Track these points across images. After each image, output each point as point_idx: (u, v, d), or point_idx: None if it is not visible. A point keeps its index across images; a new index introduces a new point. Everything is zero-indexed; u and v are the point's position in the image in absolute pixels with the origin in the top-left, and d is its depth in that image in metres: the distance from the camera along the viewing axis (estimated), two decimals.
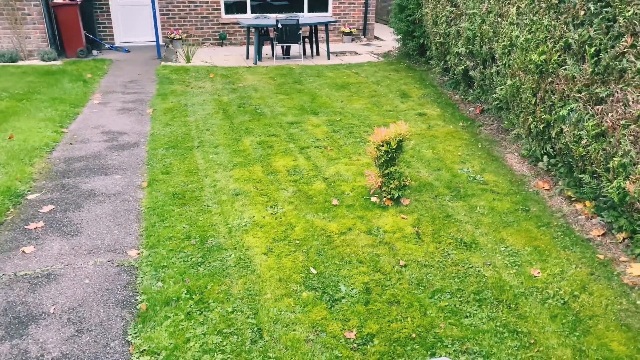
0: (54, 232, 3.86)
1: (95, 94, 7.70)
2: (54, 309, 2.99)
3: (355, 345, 2.74)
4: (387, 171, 4.20)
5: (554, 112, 4.34)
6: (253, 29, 10.01)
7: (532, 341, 2.78)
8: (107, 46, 11.35)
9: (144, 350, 2.69)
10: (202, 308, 3.01)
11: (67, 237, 3.79)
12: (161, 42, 11.19)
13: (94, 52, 10.75)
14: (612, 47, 3.55)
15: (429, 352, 2.67)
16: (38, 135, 5.80)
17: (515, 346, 2.75)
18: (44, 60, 9.67)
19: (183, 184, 4.67)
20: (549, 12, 4.31)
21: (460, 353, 2.69)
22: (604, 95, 3.65)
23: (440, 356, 2.63)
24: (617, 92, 3.52)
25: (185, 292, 3.15)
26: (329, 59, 10.42)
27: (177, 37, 11.52)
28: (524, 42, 4.69)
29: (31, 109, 6.75)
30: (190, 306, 3.03)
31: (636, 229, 3.52)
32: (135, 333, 2.82)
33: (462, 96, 7.30)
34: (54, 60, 9.75)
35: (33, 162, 5.09)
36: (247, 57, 10.52)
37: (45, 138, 5.74)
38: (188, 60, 9.91)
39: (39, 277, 3.30)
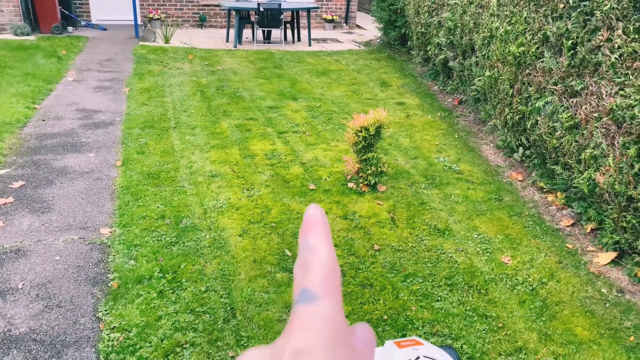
0: (24, 208, 3.77)
1: (70, 71, 7.52)
2: (23, 284, 2.94)
3: None
4: (364, 157, 4.22)
5: (530, 103, 4.41)
6: (234, 12, 9.88)
7: (500, 325, 2.84)
8: (83, 23, 11.07)
9: (115, 327, 2.67)
10: (175, 287, 3.00)
11: (37, 213, 3.71)
12: (139, 22, 10.96)
13: (70, 28, 10.48)
14: (589, 40, 3.61)
15: (400, 334, 2.71)
16: (9, 110, 5.65)
17: (484, 329, 2.80)
18: (16, 34, 9.39)
19: (158, 164, 4.61)
20: (529, 4, 4.35)
21: (431, 335, 2.74)
22: (579, 88, 3.72)
23: (411, 337, 2.68)
24: (592, 85, 3.59)
25: (158, 270, 3.12)
26: (310, 45, 10.36)
27: (156, 17, 11.30)
28: (503, 34, 4.74)
29: (2, 83, 6.56)
30: (162, 285, 3.01)
31: (604, 220, 3.61)
32: (106, 310, 2.79)
33: (441, 87, 7.35)
34: (27, 35, 9.48)
35: (3, 138, 4.96)
36: (227, 40, 10.39)
37: (17, 114, 5.59)
38: (166, 40, 9.74)
39: (8, 252, 3.23)
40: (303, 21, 11.38)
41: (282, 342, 0.29)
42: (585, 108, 3.64)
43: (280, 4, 9.57)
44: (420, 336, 2.71)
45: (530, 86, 4.39)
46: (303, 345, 0.28)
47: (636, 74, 3.16)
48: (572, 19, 3.76)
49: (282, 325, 2.74)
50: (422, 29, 7.56)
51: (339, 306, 0.31)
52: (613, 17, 3.34)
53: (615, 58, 3.32)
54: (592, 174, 3.56)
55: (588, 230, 3.78)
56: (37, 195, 3.97)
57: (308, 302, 0.31)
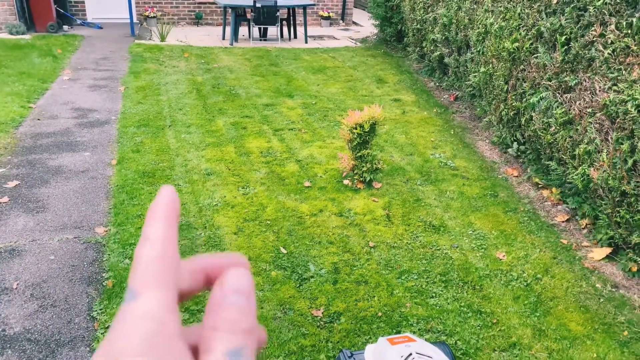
0: (19, 207, 3.77)
1: (66, 70, 7.50)
2: (17, 284, 2.94)
3: (322, 322, 2.77)
4: (359, 154, 4.22)
5: (524, 99, 4.41)
6: (230, 9, 9.86)
7: (495, 321, 2.85)
8: (78, 22, 11.04)
9: (109, 326, 2.66)
10: None
11: (32, 213, 3.71)
12: (135, 20, 10.93)
13: (65, 27, 10.45)
14: (582, 36, 3.61)
15: (394, 330, 2.72)
16: (4, 109, 5.63)
17: (478, 325, 2.81)
18: (12, 34, 9.36)
19: (154, 162, 4.61)
20: (523, 0, 4.35)
21: (425, 331, 2.75)
22: (573, 84, 3.72)
23: (404, 334, 2.68)
24: (585, 81, 3.60)
25: None
26: (306, 42, 10.35)
27: (152, 15, 11.27)
28: (498, 30, 4.73)
29: None
30: None
31: (598, 215, 3.62)
32: (100, 309, 2.79)
33: (437, 83, 7.35)
34: (23, 34, 9.44)
35: None
36: (224, 38, 10.37)
37: (12, 113, 5.58)
38: (162, 39, 9.72)
39: (2, 252, 3.23)
40: (299, 18, 11.37)
41: (101, 349, 0.27)
42: (579, 103, 3.65)
43: (276, 1, 9.55)
44: (414, 333, 2.72)
45: (525, 82, 4.39)
46: (116, 350, 0.26)
47: (629, 69, 3.17)
48: (565, 14, 3.76)
49: (277, 323, 2.75)
50: (418, 26, 7.56)
51: (163, 297, 0.27)
52: (606, 12, 3.34)
53: (608, 53, 3.32)
54: (586, 170, 3.57)
55: (583, 226, 3.79)
56: (32, 194, 3.97)
57: (128, 301, 0.28)
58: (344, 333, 2.70)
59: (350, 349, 2.15)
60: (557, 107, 3.91)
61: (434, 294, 3.04)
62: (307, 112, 6.16)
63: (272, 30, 10.88)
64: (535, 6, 4.17)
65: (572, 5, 3.68)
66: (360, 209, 3.96)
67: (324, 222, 3.77)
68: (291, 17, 10.59)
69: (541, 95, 4.11)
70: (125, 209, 3.81)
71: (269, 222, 3.72)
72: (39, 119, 5.55)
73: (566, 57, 3.78)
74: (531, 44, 4.25)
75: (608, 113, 3.32)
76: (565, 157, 3.90)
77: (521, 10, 4.36)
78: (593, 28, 3.46)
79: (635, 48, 3.14)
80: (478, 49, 5.35)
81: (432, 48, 7.08)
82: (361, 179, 4.31)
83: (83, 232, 3.51)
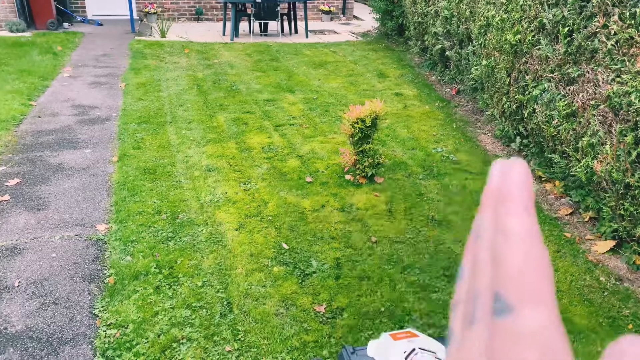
0: (20, 205, 3.76)
1: (66, 67, 7.48)
2: (19, 282, 2.93)
3: (324, 318, 2.76)
4: (361, 149, 4.19)
5: (527, 92, 4.38)
6: (230, 5, 9.82)
7: None
8: (78, 19, 11.01)
9: (111, 323, 2.66)
10: (172, 282, 2.99)
11: (33, 210, 3.70)
12: (135, 16, 10.90)
13: (65, 24, 10.43)
14: (585, 27, 3.57)
15: (397, 325, 2.70)
16: (5, 107, 5.62)
17: None
18: (12, 31, 9.34)
19: (155, 159, 4.60)
20: None
21: (428, 327, 2.73)
22: (576, 76, 3.69)
23: (406, 329, 2.67)
24: (588, 73, 3.56)
25: (155, 266, 3.11)
26: (307, 37, 10.30)
27: (152, 11, 11.23)
28: (499, 22, 4.70)
29: None
30: (159, 280, 3.00)
31: (602, 208, 3.60)
32: (102, 307, 2.78)
33: (439, 77, 7.30)
34: (23, 31, 9.42)
35: None
36: (224, 34, 10.33)
37: (13, 110, 5.57)
38: (163, 35, 9.69)
39: (4, 250, 3.23)
40: (300, 13, 11.31)
41: None
42: (582, 96, 3.61)
43: None
44: (417, 328, 2.70)
45: (527, 74, 4.36)
46: None
47: (632, 60, 3.13)
48: (568, 5, 3.73)
49: (279, 319, 2.73)
50: (419, 19, 7.51)
51: (548, 317, 0.22)
52: (609, 2, 3.30)
53: (611, 44, 3.29)
54: (589, 162, 3.54)
55: (586, 219, 3.77)
56: (33, 192, 3.96)
57: (501, 314, 0.23)
58: (346, 329, 2.69)
59: (353, 345, 2.13)
60: (560, 99, 3.87)
61: (437, 289, 3.03)
62: (309, 107, 6.13)
63: (273, 25, 10.84)
64: None
65: None
66: (362, 204, 3.94)
67: (326, 217, 3.75)
68: (292, 12, 10.54)
69: (544, 87, 4.08)
70: (126, 206, 3.79)
71: (270, 218, 3.71)
72: (39, 117, 5.54)
73: (569, 49, 3.75)
74: (533, 36, 4.21)
75: (612, 105, 3.29)
76: (568, 150, 3.87)
77: (523, 2, 4.32)
78: (596, 19, 3.43)
79: (639, 39, 3.10)
80: (480, 42, 5.31)
81: (433, 41, 7.04)
82: (363, 173, 4.28)
83: (84, 230, 3.50)
